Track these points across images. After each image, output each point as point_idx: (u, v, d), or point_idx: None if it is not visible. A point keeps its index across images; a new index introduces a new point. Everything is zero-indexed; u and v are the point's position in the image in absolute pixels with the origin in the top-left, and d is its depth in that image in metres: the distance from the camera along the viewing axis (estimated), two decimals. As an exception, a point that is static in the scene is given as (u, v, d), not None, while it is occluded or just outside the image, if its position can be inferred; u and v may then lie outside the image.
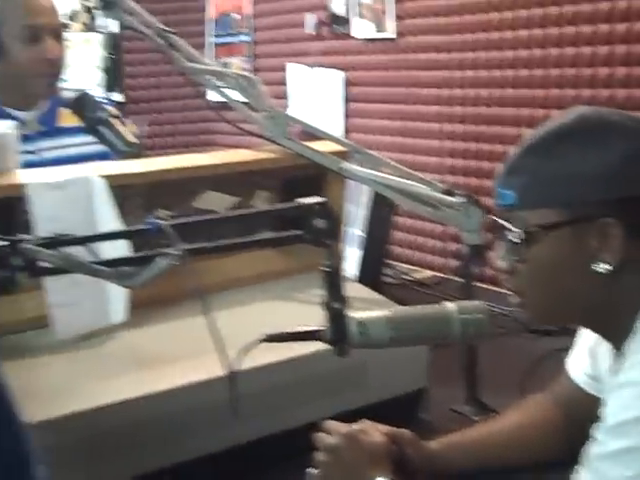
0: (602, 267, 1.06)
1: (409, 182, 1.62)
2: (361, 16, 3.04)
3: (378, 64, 3.04)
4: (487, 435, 1.32)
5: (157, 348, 1.43)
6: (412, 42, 2.86)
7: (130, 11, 1.70)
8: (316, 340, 1.13)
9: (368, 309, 1.14)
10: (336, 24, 3.21)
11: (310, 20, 3.34)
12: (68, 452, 1.18)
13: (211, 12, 4.05)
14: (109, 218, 1.42)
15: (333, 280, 1.10)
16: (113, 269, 1.12)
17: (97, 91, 1.90)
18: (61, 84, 2.02)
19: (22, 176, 1.45)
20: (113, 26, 1.74)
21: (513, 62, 2.49)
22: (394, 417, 1.30)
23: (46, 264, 1.13)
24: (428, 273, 2.63)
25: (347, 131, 3.21)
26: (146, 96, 4.15)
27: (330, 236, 1.10)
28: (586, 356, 1.28)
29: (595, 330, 1.18)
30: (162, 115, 4.24)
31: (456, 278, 2.57)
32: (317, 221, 1.10)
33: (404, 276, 2.47)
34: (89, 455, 1.21)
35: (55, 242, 1.12)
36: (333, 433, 1.22)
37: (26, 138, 1.84)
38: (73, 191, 1.41)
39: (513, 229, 1.11)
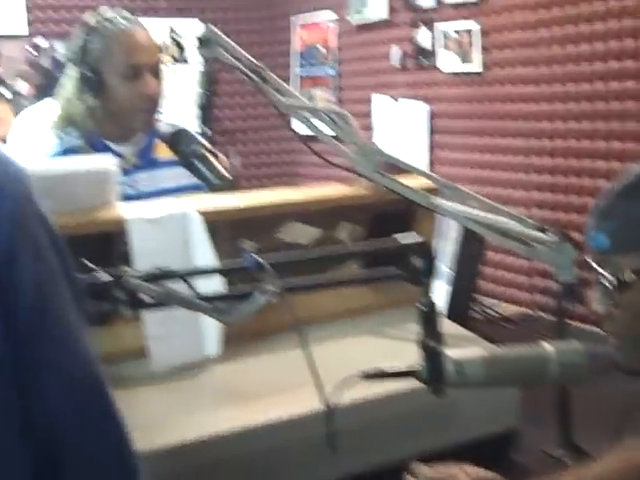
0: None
1: (500, 218, 1.60)
2: (447, 48, 3.05)
3: (463, 96, 3.03)
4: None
5: (250, 382, 1.44)
6: (499, 74, 2.84)
7: (225, 47, 1.74)
8: (411, 379, 1.13)
9: (457, 346, 1.13)
10: (422, 56, 3.22)
11: (395, 53, 3.36)
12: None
13: (297, 45, 4.11)
14: (205, 252, 1.45)
15: (429, 318, 1.10)
16: (212, 304, 1.14)
17: (191, 125, 1.93)
18: (158, 118, 2.07)
19: (122, 210, 1.49)
20: (199, 61, 1.77)
21: (605, 94, 2.46)
22: (484, 457, 1.28)
23: (147, 298, 1.16)
24: (514, 309, 2.60)
25: (431, 163, 3.21)
26: (232, 127, 4.23)
27: (427, 275, 1.10)
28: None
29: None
30: (247, 146, 4.31)
31: (543, 314, 2.55)
32: (415, 259, 1.10)
33: (490, 311, 2.44)
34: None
35: (157, 276, 1.15)
36: (420, 478, 1.21)
37: (123, 171, 1.90)
38: (171, 226, 1.44)
39: (606, 274, 1.09)
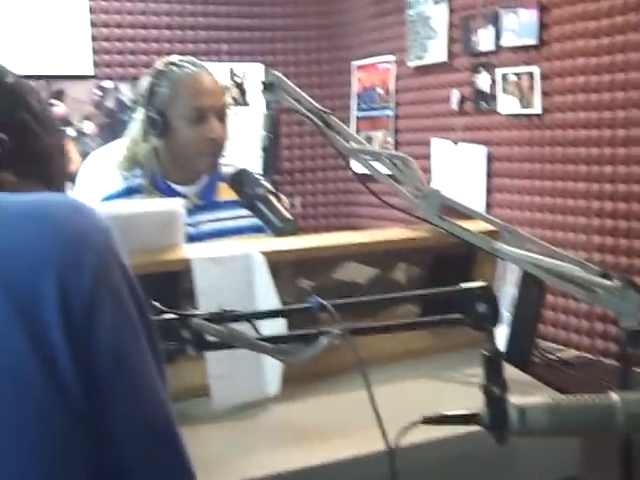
0: None
1: (561, 263, 1.60)
2: (506, 92, 3.05)
3: (523, 140, 3.03)
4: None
5: (310, 422, 1.45)
6: (559, 118, 2.84)
7: (288, 91, 1.78)
8: (473, 424, 1.12)
9: (517, 391, 1.12)
10: (480, 100, 3.23)
11: (454, 96, 3.38)
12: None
13: (355, 86, 4.16)
14: (267, 293, 1.47)
15: (493, 364, 1.09)
16: (276, 345, 1.16)
17: (253, 167, 1.96)
18: (221, 160, 2.11)
19: (187, 251, 1.52)
20: (262, 104, 1.80)
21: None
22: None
23: (212, 337, 1.18)
24: (573, 353, 2.56)
25: (488, 206, 3.20)
26: (290, 168, 4.29)
27: (491, 320, 1.10)
28: None
29: None
30: (304, 186, 4.36)
31: (603, 359, 2.51)
32: (478, 304, 1.10)
33: (549, 355, 2.42)
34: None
35: (222, 317, 1.17)
36: None
37: (186, 211, 1.94)
38: (235, 266, 1.47)
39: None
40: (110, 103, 3.89)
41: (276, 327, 1.37)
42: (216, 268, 1.46)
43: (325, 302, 1.13)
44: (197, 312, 1.19)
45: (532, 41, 2.90)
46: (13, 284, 0.81)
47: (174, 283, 1.53)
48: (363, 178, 1.94)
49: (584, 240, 2.73)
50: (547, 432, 1.10)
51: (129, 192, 2.06)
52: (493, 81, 3.14)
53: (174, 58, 2.13)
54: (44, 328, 0.80)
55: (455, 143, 3.39)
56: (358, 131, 4.06)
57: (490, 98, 3.17)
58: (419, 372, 1.64)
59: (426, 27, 3.55)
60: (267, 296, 1.47)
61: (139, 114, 2.11)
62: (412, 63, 3.67)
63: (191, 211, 2.01)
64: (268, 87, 1.78)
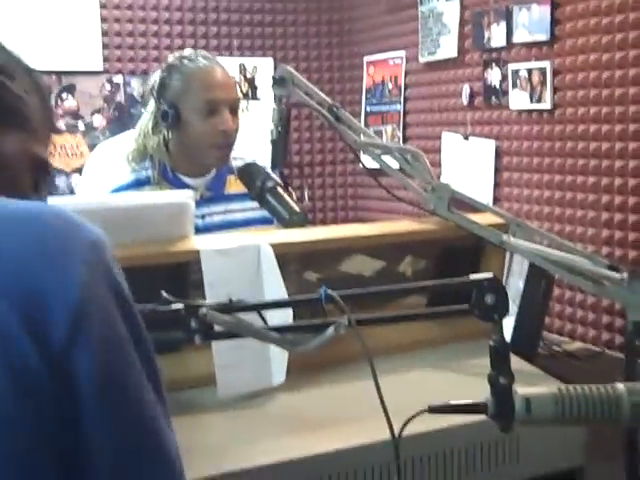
0: None
1: (570, 256, 1.60)
2: (517, 87, 3.05)
3: (532, 134, 3.02)
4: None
5: (314, 411, 1.46)
6: (570, 113, 2.83)
7: (299, 86, 1.78)
8: (479, 414, 1.13)
9: (523, 382, 1.13)
10: (491, 94, 3.23)
11: (465, 90, 3.38)
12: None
13: (367, 81, 4.16)
14: (275, 284, 1.48)
15: (500, 355, 1.10)
16: (283, 335, 1.16)
17: (263, 160, 1.97)
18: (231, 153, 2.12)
19: (196, 242, 1.53)
20: (272, 98, 1.81)
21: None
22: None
23: (219, 327, 1.19)
24: (579, 345, 2.56)
25: (497, 200, 3.20)
26: (298, 161, 4.29)
27: (499, 311, 1.11)
28: None
29: None
30: (312, 180, 4.36)
31: (609, 351, 2.51)
32: (487, 296, 1.11)
33: (554, 347, 2.41)
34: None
35: (230, 308, 1.18)
36: None
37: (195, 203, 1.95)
38: (243, 258, 1.48)
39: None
40: (120, 97, 3.91)
41: (283, 318, 1.38)
42: (224, 259, 1.47)
43: (333, 293, 1.14)
44: (205, 302, 1.20)
45: (544, 37, 2.89)
46: None
47: (183, 274, 1.54)
48: (373, 172, 1.95)
49: (593, 233, 2.73)
50: (552, 421, 1.11)
51: (138, 184, 2.08)
52: (504, 77, 3.13)
53: (186, 52, 2.14)
54: (21, 352, 0.73)
55: (465, 138, 3.38)
56: (367, 125, 4.06)
57: (501, 93, 3.17)
58: (425, 362, 1.65)
59: (438, 23, 3.55)
60: (275, 287, 1.48)
61: (150, 106, 2.12)
62: (424, 59, 3.66)
63: (199, 202, 2.02)
64: (279, 81, 1.79)
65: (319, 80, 4.27)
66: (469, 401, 1.13)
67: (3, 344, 0.74)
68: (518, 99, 3.06)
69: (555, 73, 2.87)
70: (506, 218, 1.71)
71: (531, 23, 2.97)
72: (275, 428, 1.40)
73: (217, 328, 1.20)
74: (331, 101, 1.79)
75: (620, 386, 1.10)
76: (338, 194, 4.46)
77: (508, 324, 1.99)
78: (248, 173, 1.90)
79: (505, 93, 3.14)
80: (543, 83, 2.92)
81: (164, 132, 2.08)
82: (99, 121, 3.91)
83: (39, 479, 0.74)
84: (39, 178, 0.98)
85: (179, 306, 1.18)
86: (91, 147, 3.65)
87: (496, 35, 3.17)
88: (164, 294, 1.18)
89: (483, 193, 3.20)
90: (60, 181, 3.77)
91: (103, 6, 3.91)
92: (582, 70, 2.77)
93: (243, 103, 3.93)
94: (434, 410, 1.11)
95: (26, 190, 0.96)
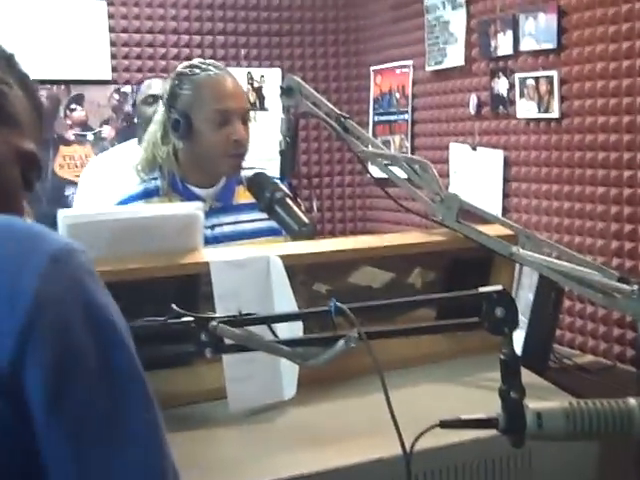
0: None
1: (581, 268, 1.59)
2: (524, 96, 3.05)
3: (540, 144, 3.02)
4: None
5: (325, 425, 1.45)
6: (577, 122, 2.83)
7: (307, 96, 1.79)
8: (490, 428, 1.12)
9: (533, 395, 1.12)
10: (498, 104, 3.23)
11: (472, 100, 3.38)
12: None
13: (374, 91, 4.16)
14: (285, 296, 1.48)
15: (511, 369, 1.10)
16: (294, 349, 1.16)
17: (271, 170, 1.97)
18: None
19: (206, 254, 1.53)
20: (280, 108, 1.82)
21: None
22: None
23: (229, 340, 1.19)
24: (590, 358, 2.55)
25: (506, 210, 3.19)
26: (306, 172, 4.29)
27: (509, 324, 1.10)
28: None
29: None
30: (320, 190, 4.36)
31: (620, 364, 2.50)
32: (497, 309, 1.10)
33: (565, 360, 2.40)
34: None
35: (240, 321, 1.18)
36: None
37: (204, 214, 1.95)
38: (253, 269, 1.48)
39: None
40: (128, 108, 3.91)
41: (293, 330, 1.37)
42: (234, 271, 1.47)
43: (343, 306, 1.13)
44: (215, 315, 1.19)
45: (551, 45, 2.89)
46: None
47: (192, 286, 1.54)
48: (381, 182, 1.95)
49: (602, 244, 2.72)
50: (564, 437, 1.10)
51: (147, 194, 2.07)
52: (511, 86, 3.13)
53: (195, 61, 2.14)
54: None
55: (473, 148, 3.38)
56: (375, 135, 4.06)
57: (508, 103, 3.16)
58: (435, 376, 1.65)
59: (444, 32, 3.55)
60: (284, 299, 1.48)
61: (159, 116, 2.12)
62: (430, 68, 3.66)
63: (208, 213, 2.02)
64: (287, 91, 1.79)
65: (326, 90, 4.27)
66: (480, 416, 1.12)
67: None
68: (525, 108, 3.05)
69: (562, 82, 2.87)
70: (515, 229, 1.70)
71: (538, 32, 2.96)
72: (288, 442, 1.40)
73: (227, 341, 1.20)
74: (339, 111, 1.79)
75: (632, 400, 1.09)
76: (347, 205, 4.45)
77: (518, 337, 1.98)
78: (257, 183, 1.90)
79: (512, 102, 3.14)
80: (550, 92, 2.92)
81: (174, 142, 2.07)
82: (107, 132, 3.92)
83: None
84: (29, 173, 0.96)
85: (189, 319, 1.18)
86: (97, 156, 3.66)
87: (503, 44, 3.17)
88: (174, 307, 1.18)
89: (492, 204, 3.19)
90: (69, 192, 3.77)
91: (111, 16, 3.93)
92: (589, 79, 2.76)
93: (251, 113, 3.94)
94: (445, 425, 1.11)
95: (14, 185, 0.95)
